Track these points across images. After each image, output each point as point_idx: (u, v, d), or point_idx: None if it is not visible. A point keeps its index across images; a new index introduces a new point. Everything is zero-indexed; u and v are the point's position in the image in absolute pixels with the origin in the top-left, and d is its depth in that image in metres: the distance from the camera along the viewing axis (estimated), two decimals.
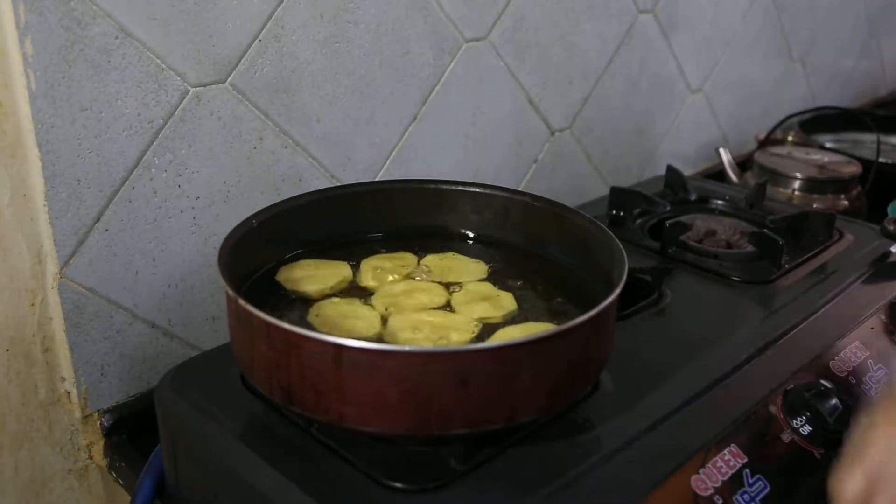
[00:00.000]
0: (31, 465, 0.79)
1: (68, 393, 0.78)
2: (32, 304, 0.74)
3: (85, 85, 0.70)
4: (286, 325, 0.55)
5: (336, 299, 0.71)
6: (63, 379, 0.78)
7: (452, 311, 0.70)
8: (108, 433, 0.80)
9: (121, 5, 0.70)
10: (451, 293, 0.72)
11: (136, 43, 0.72)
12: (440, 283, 0.74)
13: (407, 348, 0.58)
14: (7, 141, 0.68)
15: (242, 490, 0.61)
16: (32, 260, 0.72)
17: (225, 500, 0.64)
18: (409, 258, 0.77)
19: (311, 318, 0.68)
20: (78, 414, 0.79)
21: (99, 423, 0.80)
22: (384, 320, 0.68)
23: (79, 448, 0.81)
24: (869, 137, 1.54)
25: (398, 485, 0.57)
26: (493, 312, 0.68)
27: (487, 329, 0.67)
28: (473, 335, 0.66)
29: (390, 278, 0.74)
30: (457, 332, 0.65)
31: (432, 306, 0.70)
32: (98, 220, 0.74)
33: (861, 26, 1.81)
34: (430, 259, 0.77)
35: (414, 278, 0.75)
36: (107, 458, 0.80)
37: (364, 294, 0.72)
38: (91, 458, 0.82)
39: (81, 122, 0.70)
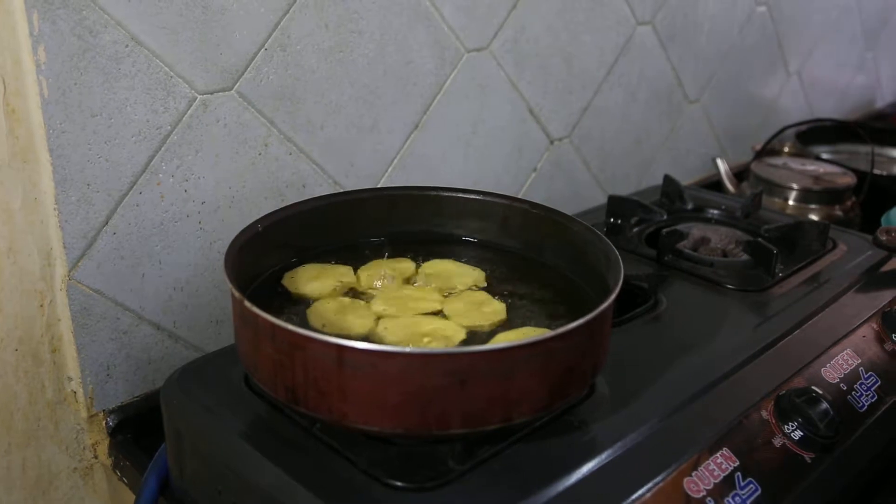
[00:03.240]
0: (38, 463, 0.80)
1: (75, 393, 0.80)
2: (41, 305, 0.75)
3: (96, 92, 0.71)
4: (291, 327, 0.56)
5: (334, 298, 0.72)
6: (70, 379, 0.79)
7: (444, 317, 0.71)
8: (113, 433, 0.81)
9: (132, 14, 0.72)
10: (445, 299, 0.74)
11: (146, 51, 0.74)
12: (437, 288, 0.75)
13: (408, 350, 0.59)
14: (19, 146, 0.70)
15: (246, 488, 0.63)
16: (42, 262, 0.74)
17: (229, 498, 0.65)
18: (407, 264, 0.79)
19: (308, 313, 0.70)
20: (84, 413, 0.80)
21: (104, 422, 0.81)
22: (376, 322, 0.69)
23: (84, 447, 0.83)
24: (864, 149, 1.56)
25: (398, 483, 0.58)
26: (482, 321, 0.70)
27: (479, 336, 0.68)
28: (458, 342, 0.67)
29: (390, 283, 0.75)
30: (442, 339, 0.67)
31: (425, 312, 0.71)
32: (106, 223, 0.76)
33: (857, 40, 1.82)
34: (429, 265, 0.79)
35: (412, 283, 0.76)
36: (111, 457, 0.82)
37: (363, 298, 0.74)
38: (96, 457, 0.83)
39: (92, 127, 0.72)
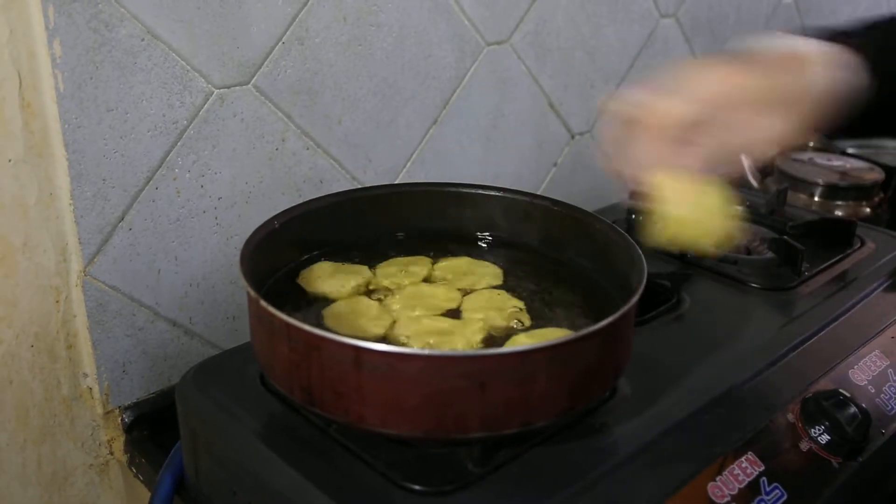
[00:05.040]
0: (53, 460, 0.80)
1: (90, 389, 0.79)
2: (57, 302, 0.75)
3: (111, 86, 0.71)
4: (307, 327, 0.56)
5: (350, 298, 0.71)
6: (85, 375, 0.79)
7: (461, 316, 0.70)
8: (128, 429, 0.81)
9: (148, 8, 0.71)
10: (463, 298, 0.72)
11: (162, 45, 0.73)
12: (455, 286, 0.74)
13: (426, 352, 0.58)
14: (34, 141, 0.69)
15: (261, 488, 0.62)
16: (57, 258, 0.73)
17: (243, 498, 0.64)
18: (425, 261, 0.78)
19: (324, 314, 0.69)
20: (99, 410, 0.80)
21: (120, 419, 0.81)
22: (394, 322, 0.68)
23: (100, 443, 0.82)
24: (892, 144, 1.53)
25: (416, 487, 0.57)
26: (500, 320, 0.69)
27: (497, 336, 0.67)
28: (476, 343, 0.66)
29: (406, 281, 0.74)
30: (459, 340, 0.65)
31: (443, 311, 0.70)
32: (122, 219, 0.75)
33: None
34: (446, 263, 0.78)
35: (431, 281, 0.75)
36: (127, 453, 0.81)
37: (380, 295, 0.73)
38: (112, 453, 0.83)
39: (107, 122, 0.71)
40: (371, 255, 0.78)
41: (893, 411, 0.75)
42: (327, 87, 0.86)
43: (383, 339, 0.66)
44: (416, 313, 0.69)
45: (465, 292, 0.73)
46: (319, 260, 0.76)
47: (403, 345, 0.64)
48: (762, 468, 0.65)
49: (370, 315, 0.68)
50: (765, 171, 1.37)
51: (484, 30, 0.98)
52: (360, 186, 0.91)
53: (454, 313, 0.70)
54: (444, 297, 0.72)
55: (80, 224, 0.72)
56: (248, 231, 0.69)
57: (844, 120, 0.61)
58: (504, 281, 0.76)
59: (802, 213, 1.11)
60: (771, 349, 0.77)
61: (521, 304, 0.71)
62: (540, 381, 0.56)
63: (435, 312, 0.70)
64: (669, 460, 0.63)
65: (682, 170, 0.62)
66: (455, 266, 0.77)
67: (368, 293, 0.73)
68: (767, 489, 0.64)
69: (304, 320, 0.56)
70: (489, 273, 0.76)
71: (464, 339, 0.65)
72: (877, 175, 1.26)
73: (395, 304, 0.71)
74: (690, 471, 0.62)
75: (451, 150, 1.01)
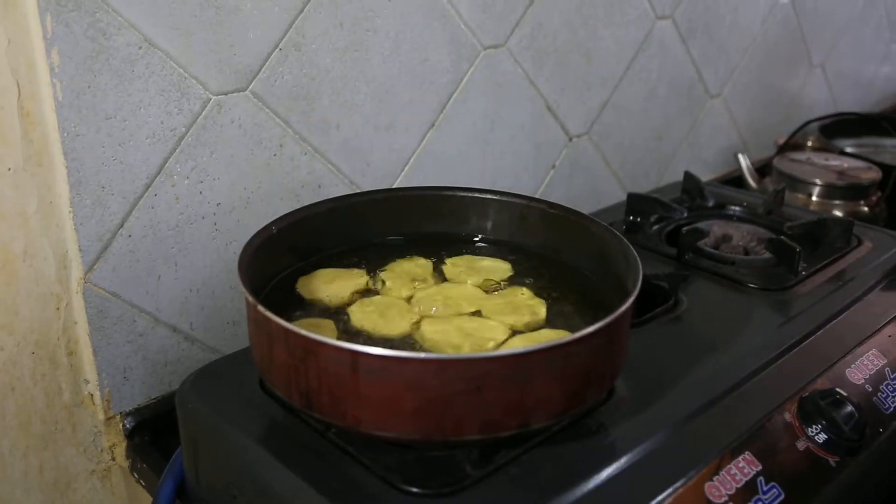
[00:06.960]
0: (56, 466, 0.80)
1: (92, 395, 0.80)
2: (57, 309, 0.75)
3: (109, 94, 0.71)
4: (304, 332, 0.56)
5: (376, 298, 0.72)
6: (87, 381, 0.79)
7: (484, 317, 0.70)
8: (130, 435, 0.81)
9: (145, 16, 0.71)
10: (486, 298, 0.73)
11: (160, 53, 0.73)
12: (476, 285, 0.75)
13: (422, 355, 0.58)
14: (34, 149, 0.70)
15: (261, 492, 0.62)
16: (58, 265, 0.74)
17: (244, 502, 0.65)
18: (425, 264, 0.78)
19: (350, 310, 0.70)
20: (101, 416, 0.80)
21: (121, 424, 0.81)
22: (417, 324, 0.69)
23: (101, 449, 0.83)
24: (890, 143, 1.53)
25: (414, 489, 0.58)
26: (517, 321, 0.69)
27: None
28: (500, 344, 0.66)
29: (406, 287, 0.74)
30: (489, 341, 0.66)
31: (466, 311, 0.71)
32: (121, 226, 0.75)
33: (882, 31, 1.79)
34: (454, 261, 0.78)
35: (447, 279, 0.76)
36: (129, 459, 0.82)
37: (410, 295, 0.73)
38: (113, 459, 0.83)
39: (106, 130, 0.72)
40: (369, 259, 0.78)
41: (890, 410, 0.76)
42: (324, 93, 0.86)
43: (408, 339, 0.67)
44: (441, 315, 0.70)
45: (487, 290, 0.74)
46: (318, 265, 0.77)
47: (427, 347, 0.65)
48: (759, 468, 0.65)
49: (394, 316, 0.69)
50: (762, 171, 1.38)
51: (480, 34, 0.99)
52: (358, 191, 0.91)
53: (474, 314, 0.71)
54: (468, 297, 0.72)
55: (79, 231, 0.73)
56: (246, 236, 0.69)
57: None
58: (512, 272, 0.77)
59: (800, 212, 1.11)
60: (768, 349, 0.77)
61: (542, 306, 0.71)
62: (537, 383, 0.56)
63: (459, 313, 0.70)
64: (667, 460, 0.63)
65: None
66: (463, 262, 0.78)
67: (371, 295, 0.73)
68: (765, 488, 0.64)
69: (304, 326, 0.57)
70: (497, 267, 0.77)
71: (491, 342, 0.66)
72: (874, 174, 1.27)
73: (421, 303, 0.71)
74: (688, 471, 0.62)
75: (448, 154, 1.01)
